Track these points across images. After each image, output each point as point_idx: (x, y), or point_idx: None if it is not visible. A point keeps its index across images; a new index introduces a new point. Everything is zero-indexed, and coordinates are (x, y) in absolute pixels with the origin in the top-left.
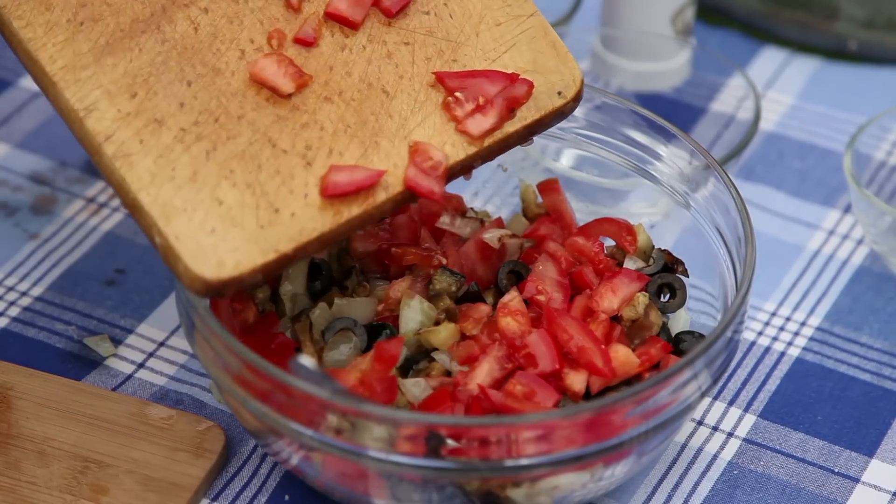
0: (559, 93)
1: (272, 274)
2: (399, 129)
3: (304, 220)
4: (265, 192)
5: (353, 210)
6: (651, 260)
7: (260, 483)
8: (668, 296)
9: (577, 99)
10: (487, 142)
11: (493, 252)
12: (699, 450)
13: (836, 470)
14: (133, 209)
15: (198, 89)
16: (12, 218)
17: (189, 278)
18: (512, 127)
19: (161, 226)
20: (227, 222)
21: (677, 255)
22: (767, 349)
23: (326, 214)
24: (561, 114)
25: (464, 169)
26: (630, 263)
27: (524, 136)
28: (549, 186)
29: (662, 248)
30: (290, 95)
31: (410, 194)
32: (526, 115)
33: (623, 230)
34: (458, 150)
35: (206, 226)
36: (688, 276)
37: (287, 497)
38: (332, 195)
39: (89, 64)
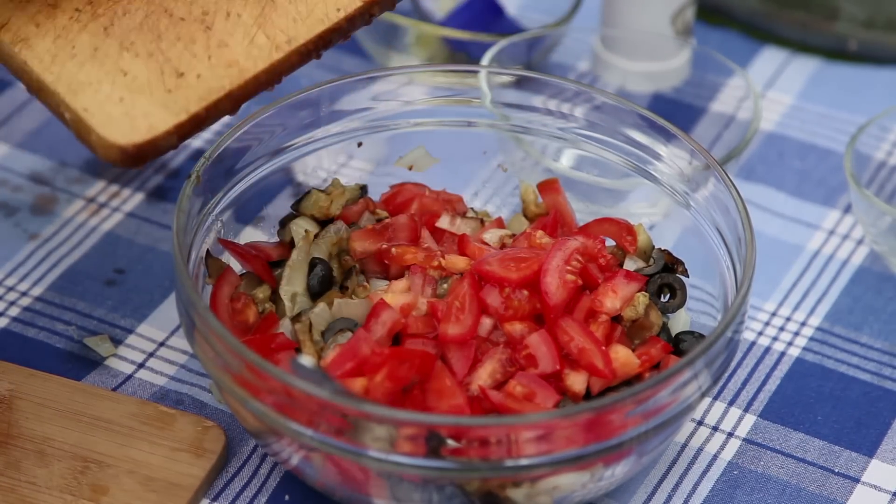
0: None
1: (187, 136)
2: None
3: (210, 80)
4: (168, 58)
5: (258, 66)
6: (651, 260)
7: (260, 483)
8: (668, 296)
9: None
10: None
11: None
12: (699, 450)
13: (837, 470)
14: (39, 92)
15: None
16: (12, 218)
17: (104, 147)
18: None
19: (68, 101)
20: (135, 90)
21: (677, 255)
22: (767, 349)
23: (232, 72)
24: None
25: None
26: (630, 263)
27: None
28: (549, 186)
29: (662, 248)
30: None
31: (315, 48)
32: None
33: (623, 230)
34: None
35: (114, 96)
36: (688, 276)
37: (287, 497)
38: None
39: None
